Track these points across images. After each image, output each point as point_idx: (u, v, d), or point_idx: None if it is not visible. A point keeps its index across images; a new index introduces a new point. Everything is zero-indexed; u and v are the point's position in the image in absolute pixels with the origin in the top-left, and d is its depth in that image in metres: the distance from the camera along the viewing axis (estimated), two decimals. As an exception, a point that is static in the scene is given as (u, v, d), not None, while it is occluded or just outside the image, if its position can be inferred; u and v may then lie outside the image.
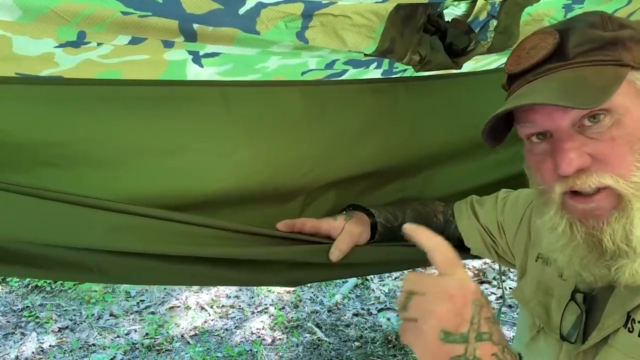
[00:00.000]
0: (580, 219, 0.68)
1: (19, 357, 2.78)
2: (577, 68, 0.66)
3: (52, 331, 3.01)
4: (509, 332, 2.87)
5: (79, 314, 3.21)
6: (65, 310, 3.24)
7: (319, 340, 2.87)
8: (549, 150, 0.69)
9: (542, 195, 0.73)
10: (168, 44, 0.82)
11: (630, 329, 0.68)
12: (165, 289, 3.45)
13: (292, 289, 3.33)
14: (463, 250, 1.15)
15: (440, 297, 0.57)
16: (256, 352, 2.79)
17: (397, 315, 3.08)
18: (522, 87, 0.71)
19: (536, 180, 0.74)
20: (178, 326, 3.05)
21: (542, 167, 0.71)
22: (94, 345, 2.89)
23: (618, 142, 0.64)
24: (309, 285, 3.37)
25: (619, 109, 0.64)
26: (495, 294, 3.35)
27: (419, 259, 1.22)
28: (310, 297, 3.33)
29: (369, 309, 3.17)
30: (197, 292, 3.39)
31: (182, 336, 2.96)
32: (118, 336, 2.96)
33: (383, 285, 3.44)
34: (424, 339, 0.56)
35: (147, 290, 3.45)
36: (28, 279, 3.50)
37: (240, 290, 3.39)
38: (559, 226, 0.70)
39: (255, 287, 3.37)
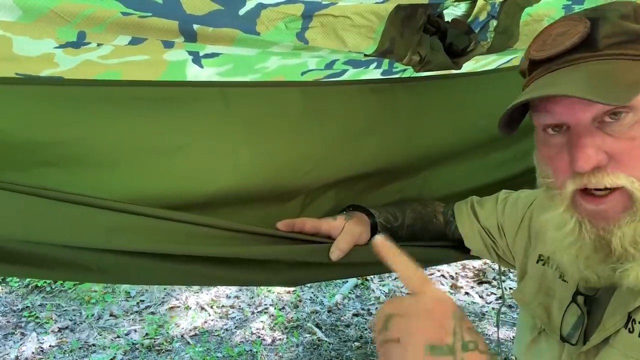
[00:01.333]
0: (590, 220, 0.66)
1: (19, 357, 2.78)
2: (606, 60, 0.63)
3: (52, 331, 3.00)
4: (509, 332, 2.88)
5: (79, 314, 3.21)
6: (65, 310, 3.24)
7: (319, 341, 2.87)
8: (564, 144, 0.66)
9: (550, 189, 0.71)
10: (168, 45, 0.82)
11: (631, 330, 0.68)
12: (165, 289, 3.45)
13: (292, 289, 3.33)
14: (463, 250, 1.16)
15: (421, 314, 0.56)
16: (256, 352, 2.79)
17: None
18: (544, 76, 0.67)
19: (546, 173, 0.71)
20: (178, 326, 3.05)
21: (555, 161, 0.68)
22: (94, 345, 2.89)
23: (638, 142, 0.62)
24: (309, 285, 3.37)
25: None
26: (495, 294, 3.35)
27: (419, 259, 1.22)
28: (310, 297, 3.33)
29: (369, 309, 3.18)
30: (197, 292, 3.39)
31: (182, 336, 2.96)
32: (118, 336, 2.96)
33: (383, 285, 3.44)
34: (409, 356, 0.55)
35: (147, 290, 3.45)
36: (28, 279, 3.50)
37: (240, 290, 3.39)
38: (567, 225, 0.68)
39: (255, 287, 3.37)
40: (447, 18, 1.04)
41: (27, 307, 3.26)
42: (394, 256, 0.62)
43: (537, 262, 0.92)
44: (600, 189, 0.64)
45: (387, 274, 3.49)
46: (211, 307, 3.23)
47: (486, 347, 0.56)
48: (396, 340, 0.56)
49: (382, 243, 0.63)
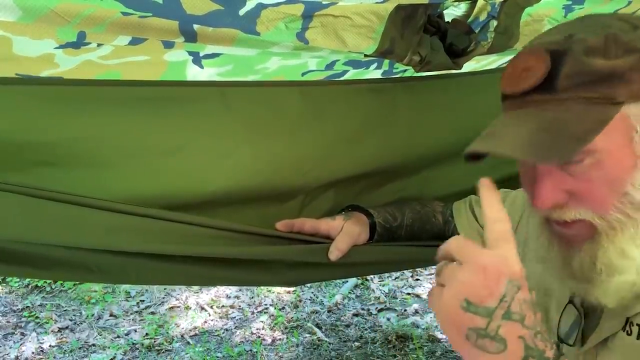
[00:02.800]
0: (558, 242, 0.69)
1: (19, 357, 2.78)
2: (561, 104, 0.62)
3: (52, 331, 3.00)
4: (508, 332, 2.87)
5: (79, 314, 3.21)
6: (65, 310, 3.24)
7: (319, 341, 2.87)
8: (532, 176, 0.68)
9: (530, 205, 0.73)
10: (168, 45, 0.82)
11: (629, 332, 0.68)
12: (165, 289, 3.45)
13: (292, 289, 3.33)
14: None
15: (472, 267, 0.54)
16: (256, 352, 2.79)
17: (397, 316, 3.09)
18: (504, 114, 0.69)
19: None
20: (178, 326, 3.05)
21: (526, 187, 0.71)
22: (94, 345, 2.89)
23: (596, 183, 0.62)
24: (308, 285, 3.37)
25: (601, 150, 0.61)
26: (495, 294, 3.35)
27: (418, 259, 1.23)
28: (310, 297, 3.33)
29: (369, 309, 3.17)
30: (197, 292, 3.39)
31: (182, 336, 2.95)
32: (118, 336, 2.96)
33: (383, 286, 3.44)
34: (445, 304, 0.55)
35: (147, 290, 3.45)
36: (28, 279, 3.49)
37: (240, 290, 3.39)
38: (541, 237, 0.72)
39: (255, 287, 3.37)
40: (447, 18, 1.04)
41: (27, 307, 3.26)
42: (490, 198, 0.61)
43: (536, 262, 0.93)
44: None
45: (387, 274, 3.49)
46: (211, 307, 3.23)
47: (537, 325, 0.54)
48: (442, 285, 0.57)
49: (486, 188, 0.62)
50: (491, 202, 0.61)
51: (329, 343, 2.86)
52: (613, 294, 0.65)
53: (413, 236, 1.13)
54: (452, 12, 1.05)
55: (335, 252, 0.99)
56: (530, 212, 0.77)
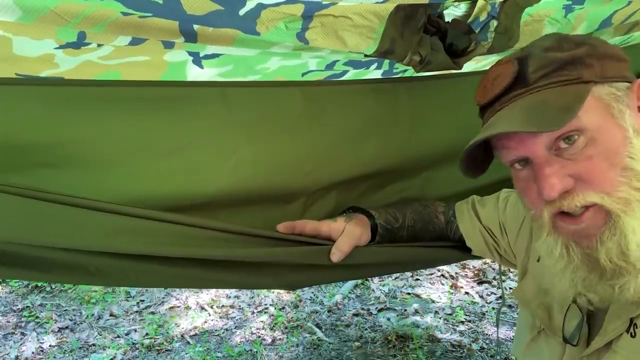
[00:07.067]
0: (575, 240, 0.68)
1: (19, 357, 2.78)
2: (539, 92, 0.67)
3: (52, 331, 3.00)
4: (509, 332, 2.88)
5: (79, 314, 3.21)
6: (65, 310, 3.24)
7: (319, 340, 2.87)
8: (531, 176, 0.70)
9: (535, 220, 0.74)
10: (168, 45, 0.82)
11: (633, 334, 0.68)
12: (165, 289, 3.45)
13: (292, 288, 3.33)
14: (465, 250, 1.15)
15: None
16: (256, 352, 2.79)
17: (397, 316, 3.09)
18: (491, 118, 0.73)
19: (527, 206, 0.75)
20: (178, 326, 3.05)
21: (528, 193, 0.72)
22: (94, 345, 2.89)
23: (596, 160, 0.64)
24: (309, 285, 3.37)
25: (590, 127, 0.65)
26: (495, 294, 3.35)
27: (420, 260, 1.22)
28: (310, 297, 3.33)
29: (369, 309, 3.17)
30: (197, 292, 3.39)
31: (182, 336, 2.96)
32: (118, 336, 2.96)
33: (383, 285, 3.44)
34: None
35: (147, 290, 3.45)
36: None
37: (240, 290, 3.39)
38: (555, 250, 0.70)
39: (255, 287, 3.37)
40: (447, 18, 1.04)
41: (27, 307, 3.26)
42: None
43: (538, 260, 0.92)
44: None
45: (387, 274, 3.49)
46: (211, 307, 3.23)
47: None
48: None
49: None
50: None
51: (329, 343, 2.86)
52: None
53: (415, 237, 1.12)
54: (452, 12, 1.05)
55: (337, 254, 0.99)
56: (535, 234, 0.77)
